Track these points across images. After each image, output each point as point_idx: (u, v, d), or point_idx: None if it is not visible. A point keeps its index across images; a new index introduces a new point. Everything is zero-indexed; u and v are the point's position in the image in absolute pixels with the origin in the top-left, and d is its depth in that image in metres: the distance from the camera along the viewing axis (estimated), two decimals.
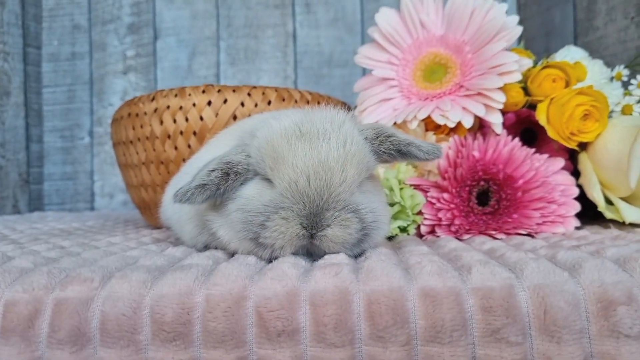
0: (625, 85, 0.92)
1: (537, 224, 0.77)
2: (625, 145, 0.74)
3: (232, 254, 0.62)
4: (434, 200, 0.80)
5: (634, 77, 0.90)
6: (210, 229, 0.62)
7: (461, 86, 0.85)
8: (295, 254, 0.57)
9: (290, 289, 0.48)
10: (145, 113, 0.92)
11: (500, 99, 0.79)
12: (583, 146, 0.81)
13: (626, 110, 0.82)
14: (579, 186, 0.81)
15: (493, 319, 0.45)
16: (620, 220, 0.76)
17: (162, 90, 0.92)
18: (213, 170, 0.57)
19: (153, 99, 0.91)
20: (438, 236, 0.78)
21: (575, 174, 0.84)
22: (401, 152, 0.60)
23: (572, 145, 0.79)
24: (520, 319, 0.45)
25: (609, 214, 0.76)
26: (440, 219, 0.79)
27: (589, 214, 0.84)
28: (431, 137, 0.82)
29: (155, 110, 0.90)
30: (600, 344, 0.45)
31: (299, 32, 1.81)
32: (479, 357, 0.45)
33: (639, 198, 0.75)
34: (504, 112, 0.83)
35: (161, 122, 0.90)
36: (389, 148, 0.60)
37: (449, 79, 0.86)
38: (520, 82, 0.82)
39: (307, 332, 0.46)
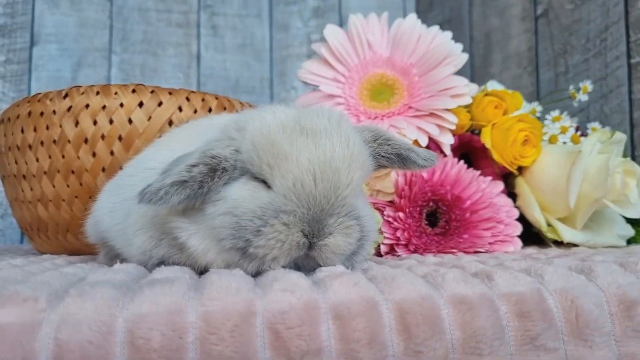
0: (539, 120, 1.00)
1: (489, 243, 0.78)
2: (561, 170, 0.79)
3: (200, 271, 0.52)
4: (390, 220, 0.77)
5: (548, 113, 0.98)
6: (175, 238, 0.52)
7: (409, 107, 0.85)
8: (284, 267, 0.49)
9: (308, 301, 0.40)
10: (53, 112, 0.76)
11: (452, 119, 0.80)
12: (519, 171, 0.86)
13: (552, 140, 0.88)
14: (516, 208, 0.84)
15: (532, 325, 0.42)
16: (559, 240, 0.80)
17: (77, 86, 0.78)
18: (195, 165, 0.48)
19: (66, 95, 0.77)
20: (399, 255, 0.75)
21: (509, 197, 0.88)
22: (400, 157, 0.56)
23: (513, 169, 0.83)
24: (555, 323, 0.43)
25: (550, 234, 0.80)
26: (398, 238, 0.76)
27: (521, 236, 0.88)
28: None
29: (69, 109, 0.76)
30: (626, 345, 0.44)
31: (204, 54, 1.72)
32: None
33: (572, 219, 0.80)
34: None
35: (76, 124, 0.76)
36: (388, 152, 0.56)
37: (397, 100, 0.86)
38: (464, 107, 0.84)
39: (332, 351, 0.39)
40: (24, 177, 0.80)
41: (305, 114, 0.51)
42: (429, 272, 0.48)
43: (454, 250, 0.76)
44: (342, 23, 1.78)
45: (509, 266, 0.53)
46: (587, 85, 0.99)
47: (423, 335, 0.40)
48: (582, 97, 1.00)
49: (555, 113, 0.96)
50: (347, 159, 0.49)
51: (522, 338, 0.42)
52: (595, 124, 0.97)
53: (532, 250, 0.77)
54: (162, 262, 0.55)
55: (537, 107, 1.00)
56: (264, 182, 0.48)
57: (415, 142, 0.78)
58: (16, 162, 0.80)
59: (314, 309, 0.40)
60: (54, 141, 0.76)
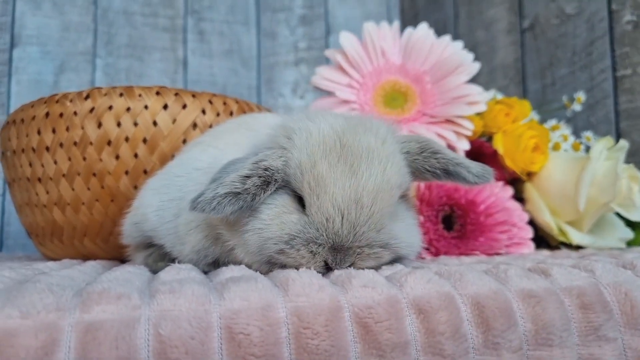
0: None
1: (506, 245, 0.81)
2: (569, 175, 0.84)
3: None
4: None
5: (545, 122, 1.03)
6: (225, 242, 0.52)
7: (423, 114, 0.88)
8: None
9: (389, 296, 0.41)
10: (75, 113, 0.75)
11: (469, 126, 0.83)
12: (527, 176, 0.90)
13: (556, 147, 0.93)
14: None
15: (594, 317, 0.44)
16: (567, 242, 0.84)
17: (99, 87, 0.76)
18: (249, 177, 0.49)
19: (87, 96, 0.75)
20: (423, 258, 0.77)
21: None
22: (447, 172, 0.54)
23: (524, 174, 0.87)
24: (614, 315, 0.45)
25: (560, 237, 0.84)
26: None
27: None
28: None
29: (92, 110, 0.74)
30: None
31: (191, 60, 1.70)
32: (584, 357, 0.44)
33: (579, 223, 0.84)
34: None
35: (99, 126, 0.74)
36: (434, 166, 0.54)
37: (410, 107, 0.89)
38: (475, 114, 0.88)
39: (418, 343, 0.40)
40: (39, 180, 0.77)
41: (351, 127, 0.52)
42: (489, 269, 0.50)
43: (476, 252, 0.79)
44: (328, 32, 1.81)
45: (559, 263, 0.56)
46: (581, 95, 1.05)
47: (500, 328, 0.42)
48: (576, 107, 1.05)
49: (552, 122, 1.01)
50: (375, 192, 0.49)
51: (586, 329, 0.44)
52: (588, 133, 1.03)
53: (546, 252, 0.81)
54: (216, 261, 0.55)
55: (536, 116, 1.05)
56: (300, 199, 0.50)
57: None
58: (30, 165, 0.78)
59: (396, 303, 0.41)
60: (75, 143, 0.75)
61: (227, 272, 0.47)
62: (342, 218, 0.48)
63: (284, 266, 0.50)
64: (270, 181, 0.50)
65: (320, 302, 0.40)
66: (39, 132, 0.76)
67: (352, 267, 0.49)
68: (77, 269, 0.55)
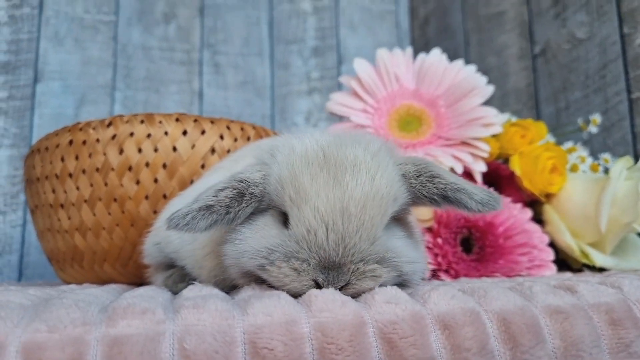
0: None
1: (527, 267, 0.80)
2: (589, 196, 0.83)
3: None
4: (430, 245, 0.79)
5: (561, 144, 1.03)
6: None
7: (439, 137, 0.88)
8: None
9: (413, 312, 0.41)
10: (97, 140, 0.76)
11: (485, 148, 0.83)
12: (545, 198, 0.89)
13: (574, 169, 0.93)
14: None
15: (625, 333, 0.43)
16: (590, 265, 0.83)
17: (120, 115, 0.78)
18: (223, 190, 0.47)
19: (110, 124, 0.77)
20: (443, 280, 0.76)
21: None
22: (446, 199, 0.49)
23: (542, 196, 0.86)
24: None
25: (582, 259, 0.83)
26: (440, 264, 0.78)
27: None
28: None
29: (114, 137, 0.76)
30: None
31: (206, 91, 1.74)
32: None
33: (601, 244, 0.83)
34: None
35: (121, 152, 0.75)
36: (432, 192, 0.49)
37: (425, 130, 0.89)
38: (491, 136, 0.88)
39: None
40: (62, 206, 0.79)
41: (337, 142, 0.49)
42: (513, 287, 0.49)
43: (497, 275, 0.78)
44: (340, 62, 1.84)
45: (585, 280, 0.55)
46: (596, 117, 1.05)
47: (528, 344, 0.41)
48: (592, 129, 1.05)
49: (569, 144, 1.01)
50: (364, 201, 0.45)
51: (617, 346, 0.43)
52: (606, 155, 1.02)
53: (569, 274, 0.80)
54: (235, 286, 0.54)
55: (552, 139, 1.05)
56: (284, 220, 0.47)
57: (451, 169, 0.81)
58: (53, 191, 0.79)
59: (421, 319, 0.41)
60: (97, 169, 0.76)
61: (249, 291, 0.47)
62: (327, 229, 0.44)
63: (263, 282, 0.47)
64: (245, 193, 0.47)
65: (344, 318, 0.39)
66: (62, 159, 0.78)
67: (348, 289, 0.44)
68: (100, 289, 0.55)
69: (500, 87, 1.55)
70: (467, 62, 1.67)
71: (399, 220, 0.50)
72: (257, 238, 0.47)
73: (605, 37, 1.26)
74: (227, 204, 0.47)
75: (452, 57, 1.70)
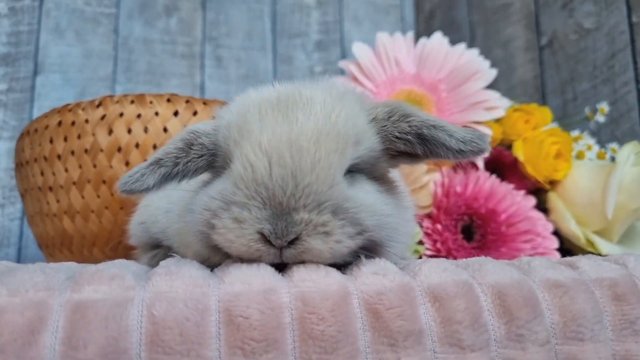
0: None
1: (529, 255, 0.77)
2: (596, 183, 0.80)
3: None
4: (429, 231, 0.76)
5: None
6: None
7: None
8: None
9: (401, 283, 0.38)
10: (86, 121, 0.75)
11: (487, 132, 0.81)
12: (550, 185, 0.86)
13: (580, 156, 0.89)
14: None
15: (629, 309, 0.40)
16: (596, 254, 0.80)
17: (111, 95, 0.76)
18: (171, 144, 0.45)
19: (99, 104, 0.75)
20: None
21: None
22: (423, 138, 0.42)
23: (546, 183, 0.83)
24: None
25: (588, 247, 0.79)
26: (439, 250, 0.75)
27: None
28: (423, 167, 0.80)
29: (103, 117, 0.74)
30: None
31: (208, 85, 1.72)
32: (619, 354, 0.40)
33: (608, 232, 0.80)
34: None
35: (110, 132, 0.74)
36: (405, 131, 0.43)
37: None
38: (494, 121, 0.85)
39: (434, 333, 0.37)
40: (50, 188, 0.77)
41: (298, 86, 0.45)
42: (512, 262, 0.46)
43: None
44: (343, 56, 1.82)
45: (588, 257, 0.52)
46: (604, 106, 1.01)
47: (525, 317, 0.38)
48: (600, 118, 1.02)
49: (575, 133, 0.97)
50: (317, 135, 0.39)
51: (620, 322, 0.40)
52: (614, 145, 0.99)
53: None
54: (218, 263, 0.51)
55: (555, 126, 1.01)
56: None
57: None
58: (42, 174, 0.78)
59: (410, 290, 0.38)
60: (86, 150, 0.74)
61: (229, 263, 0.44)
62: (270, 163, 0.37)
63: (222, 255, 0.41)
64: (194, 143, 0.44)
65: (327, 288, 0.37)
66: (51, 141, 0.76)
67: (297, 245, 0.38)
68: (78, 264, 0.53)
69: (506, 79, 1.52)
70: None
71: (375, 178, 0.45)
72: (206, 194, 0.41)
73: (614, 27, 1.22)
74: (174, 154, 0.44)
75: None
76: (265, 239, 0.38)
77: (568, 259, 0.47)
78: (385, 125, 0.44)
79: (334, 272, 0.39)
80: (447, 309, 0.37)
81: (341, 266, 0.41)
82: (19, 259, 1.44)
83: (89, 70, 1.64)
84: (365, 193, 0.42)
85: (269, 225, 0.37)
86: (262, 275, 0.37)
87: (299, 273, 0.38)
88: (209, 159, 0.45)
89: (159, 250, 0.59)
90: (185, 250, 0.53)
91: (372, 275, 0.39)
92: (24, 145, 0.81)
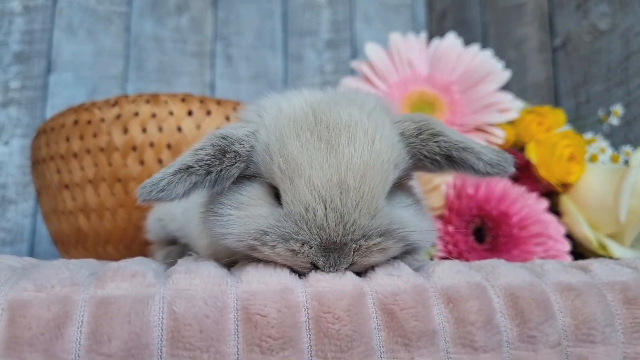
0: None
1: (541, 258, 0.77)
2: (608, 186, 0.80)
3: None
4: (440, 233, 0.77)
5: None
6: None
7: (452, 123, 0.86)
8: None
9: (416, 284, 0.39)
10: (102, 120, 0.76)
11: (500, 134, 0.81)
12: (562, 188, 0.86)
13: (593, 159, 0.89)
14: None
15: None
16: (607, 256, 0.80)
17: (126, 95, 0.77)
18: (201, 149, 0.41)
19: (115, 103, 0.76)
20: None
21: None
22: (451, 160, 0.43)
23: (559, 186, 0.83)
24: None
25: (600, 251, 0.79)
26: (450, 252, 0.75)
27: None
28: None
29: (118, 117, 0.75)
30: None
31: (218, 84, 1.73)
32: (630, 356, 0.40)
33: (620, 236, 0.80)
34: None
35: (125, 131, 0.75)
36: (434, 151, 0.44)
37: (439, 116, 0.87)
38: (507, 123, 0.85)
39: (447, 333, 0.37)
40: (67, 186, 0.78)
41: (329, 100, 0.44)
42: (524, 265, 0.47)
43: None
44: (354, 55, 1.82)
45: (600, 260, 0.52)
46: (618, 109, 1.01)
47: (537, 320, 0.38)
48: (613, 120, 1.01)
49: (588, 135, 0.97)
50: (363, 169, 0.40)
51: (631, 325, 0.40)
52: (628, 148, 0.98)
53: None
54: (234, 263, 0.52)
55: (568, 128, 1.01)
56: (275, 193, 0.42)
57: None
58: (58, 172, 0.79)
59: (424, 292, 0.39)
60: (101, 149, 0.75)
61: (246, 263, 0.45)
62: (325, 208, 0.39)
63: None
64: (228, 151, 0.41)
65: (343, 288, 0.38)
66: (67, 140, 0.78)
67: (354, 267, 0.40)
68: (97, 261, 0.54)
69: (519, 80, 1.52)
70: None
71: (401, 186, 0.46)
72: (244, 218, 0.41)
73: (629, 28, 1.22)
74: (207, 162, 0.41)
75: None
76: (316, 267, 0.40)
77: (581, 262, 0.47)
78: (413, 142, 0.44)
79: (348, 273, 0.39)
80: (460, 310, 0.38)
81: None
82: (31, 255, 1.46)
83: (101, 68, 1.65)
84: (402, 209, 0.44)
85: (322, 257, 0.39)
86: (278, 275, 0.38)
87: (315, 274, 0.39)
88: (241, 167, 0.43)
89: (174, 246, 0.60)
90: (199, 250, 0.54)
91: (386, 277, 0.39)
92: (40, 143, 0.83)
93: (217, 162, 0.41)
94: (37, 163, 0.85)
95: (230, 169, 0.42)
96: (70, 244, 0.81)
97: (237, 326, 0.34)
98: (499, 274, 0.42)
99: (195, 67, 1.73)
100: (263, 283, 0.37)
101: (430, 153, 0.44)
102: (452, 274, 0.41)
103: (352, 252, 0.40)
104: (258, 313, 0.35)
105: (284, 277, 0.38)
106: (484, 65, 0.86)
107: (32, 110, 1.60)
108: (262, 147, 0.42)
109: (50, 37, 1.65)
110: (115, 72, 1.67)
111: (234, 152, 0.42)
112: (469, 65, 0.88)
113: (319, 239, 0.39)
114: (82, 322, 0.33)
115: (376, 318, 0.37)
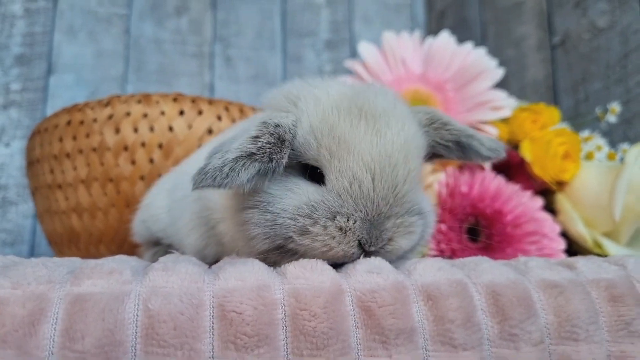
0: None
1: (535, 256, 0.76)
2: (604, 184, 0.79)
3: None
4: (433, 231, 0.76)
5: (576, 133, 0.99)
6: (221, 240, 0.48)
7: None
8: None
9: (395, 281, 0.39)
10: (94, 120, 0.76)
11: (493, 132, 0.80)
12: (557, 186, 0.85)
13: (589, 156, 0.89)
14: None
15: (626, 310, 0.40)
16: (603, 255, 0.79)
17: (118, 95, 0.78)
18: (259, 137, 0.41)
19: (107, 104, 0.76)
20: None
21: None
22: (460, 145, 0.48)
23: (554, 184, 0.83)
24: None
25: (595, 250, 0.79)
26: (443, 251, 0.75)
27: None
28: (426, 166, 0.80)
29: (110, 117, 0.75)
30: None
31: (217, 85, 1.74)
32: (614, 355, 0.39)
33: (616, 235, 0.79)
34: None
35: (117, 131, 0.75)
36: (447, 138, 0.48)
37: None
38: (500, 121, 0.85)
39: (426, 331, 0.37)
40: (60, 186, 0.78)
41: (360, 91, 0.46)
42: (509, 262, 0.46)
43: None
44: (353, 55, 1.81)
45: (588, 258, 0.52)
46: (615, 106, 1.00)
47: (518, 317, 0.38)
48: (611, 118, 1.00)
49: (585, 133, 0.96)
50: (405, 149, 0.43)
51: (616, 323, 0.40)
52: (626, 146, 0.97)
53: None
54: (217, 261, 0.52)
55: (565, 126, 1.01)
56: (312, 178, 0.43)
57: None
58: (51, 172, 0.79)
59: (403, 289, 0.38)
60: (94, 149, 0.75)
61: (227, 259, 0.45)
62: (373, 179, 0.41)
63: (294, 255, 0.42)
64: (285, 139, 0.42)
65: (320, 285, 0.37)
66: (60, 140, 0.78)
67: (387, 246, 0.42)
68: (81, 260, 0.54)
69: (518, 79, 1.51)
70: None
71: None
72: (292, 197, 0.42)
73: (627, 26, 1.21)
74: (269, 150, 0.41)
75: None
76: (360, 244, 0.41)
77: (567, 259, 0.47)
78: (427, 131, 0.49)
79: (328, 270, 0.39)
80: (439, 308, 0.37)
81: (337, 265, 0.42)
82: (31, 256, 1.47)
83: (101, 70, 1.66)
84: (421, 193, 0.48)
85: (366, 234, 0.41)
86: (256, 272, 0.38)
87: (293, 270, 0.39)
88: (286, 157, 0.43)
89: (159, 247, 0.60)
90: (184, 250, 0.54)
91: (366, 274, 0.39)
92: (34, 144, 0.83)
93: (278, 151, 0.42)
94: (31, 163, 0.85)
95: (285, 157, 0.42)
96: (64, 243, 0.81)
97: (213, 323, 0.34)
98: (481, 271, 0.41)
99: (195, 68, 1.73)
100: (240, 280, 0.37)
101: (443, 140, 0.49)
102: (434, 271, 0.41)
103: (392, 229, 0.42)
104: (233, 310, 0.35)
105: (262, 274, 0.38)
106: (478, 63, 0.86)
107: (32, 112, 1.61)
108: (306, 133, 0.43)
109: (51, 39, 1.66)
110: (115, 73, 1.68)
111: (288, 140, 0.43)
112: (463, 63, 0.87)
113: (364, 211, 0.41)
114: (56, 319, 0.33)
115: (354, 315, 0.36)
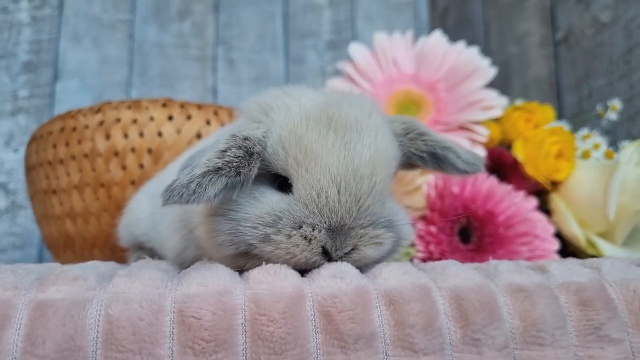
0: None
1: (527, 257, 0.76)
2: (599, 183, 0.77)
3: None
4: (422, 233, 0.76)
5: (576, 132, 0.97)
6: (197, 243, 0.48)
7: (438, 122, 0.85)
8: None
9: (358, 286, 0.39)
10: (86, 127, 0.77)
11: (484, 132, 0.80)
12: (552, 186, 0.84)
13: (585, 155, 0.87)
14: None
15: (594, 314, 0.40)
16: (598, 256, 0.78)
17: (109, 101, 0.79)
18: (227, 150, 0.41)
19: (98, 110, 0.78)
20: None
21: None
22: (435, 157, 0.48)
23: (547, 183, 0.82)
24: (618, 313, 0.41)
25: (589, 250, 0.78)
26: (432, 253, 0.74)
27: (559, 254, 0.85)
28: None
29: (101, 123, 0.77)
30: None
31: (220, 87, 1.75)
32: (582, 359, 0.39)
33: (611, 234, 0.78)
34: None
35: (107, 137, 0.76)
36: (421, 149, 0.48)
37: (424, 115, 0.86)
38: (493, 121, 0.84)
39: (386, 336, 0.37)
40: (54, 192, 0.80)
41: (333, 101, 0.46)
42: (479, 266, 0.46)
43: None
44: None
45: (563, 261, 0.51)
46: (616, 103, 0.99)
47: (481, 322, 0.38)
48: (612, 115, 0.99)
49: (584, 131, 0.95)
50: (373, 162, 0.43)
51: (585, 328, 0.39)
52: (626, 143, 0.96)
53: None
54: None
55: (564, 124, 0.99)
56: (281, 187, 0.44)
57: None
58: (47, 178, 0.81)
59: (365, 294, 0.38)
60: (85, 155, 0.77)
61: (196, 264, 0.45)
62: (339, 191, 0.41)
63: (261, 259, 0.42)
64: (253, 152, 0.42)
65: (281, 290, 0.38)
66: (54, 146, 0.79)
67: (353, 254, 0.42)
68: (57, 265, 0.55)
69: (521, 76, 1.50)
70: (487, 51, 1.62)
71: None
72: (256, 205, 0.42)
73: (631, 20, 1.19)
74: (236, 164, 0.41)
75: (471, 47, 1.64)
76: (325, 251, 0.42)
77: (540, 262, 0.46)
78: (402, 141, 0.49)
79: (292, 275, 0.39)
80: (400, 313, 0.37)
81: (304, 270, 0.42)
82: (40, 259, 1.50)
83: (106, 75, 1.69)
84: (394, 203, 0.48)
85: (331, 240, 0.42)
86: (219, 278, 0.38)
87: (257, 275, 0.39)
88: (258, 167, 0.44)
89: (142, 251, 0.60)
90: (165, 253, 0.54)
91: (330, 278, 0.39)
92: (32, 150, 0.85)
93: (246, 164, 0.42)
94: (29, 170, 0.87)
95: (253, 169, 0.43)
96: (60, 248, 0.83)
97: (173, 329, 0.35)
98: (447, 275, 0.41)
99: (198, 72, 1.75)
100: (203, 285, 0.37)
101: (418, 151, 0.49)
102: (399, 275, 0.41)
103: (357, 237, 0.42)
104: (192, 316, 0.35)
105: (225, 280, 0.38)
106: (470, 62, 0.85)
107: (39, 117, 1.64)
108: (275, 143, 0.43)
109: (57, 46, 1.68)
110: (119, 78, 1.70)
111: (257, 152, 0.43)
112: (455, 63, 0.87)
113: (328, 222, 0.41)
114: (20, 324, 0.33)
115: (314, 320, 0.37)
